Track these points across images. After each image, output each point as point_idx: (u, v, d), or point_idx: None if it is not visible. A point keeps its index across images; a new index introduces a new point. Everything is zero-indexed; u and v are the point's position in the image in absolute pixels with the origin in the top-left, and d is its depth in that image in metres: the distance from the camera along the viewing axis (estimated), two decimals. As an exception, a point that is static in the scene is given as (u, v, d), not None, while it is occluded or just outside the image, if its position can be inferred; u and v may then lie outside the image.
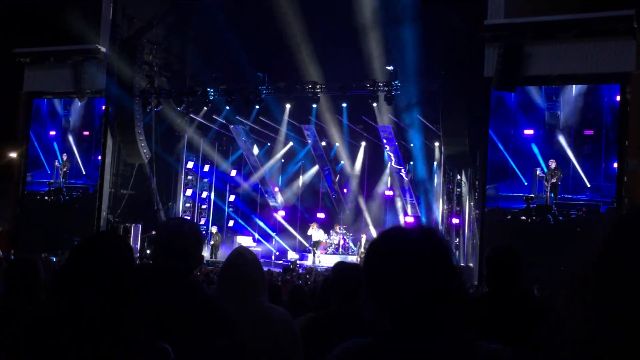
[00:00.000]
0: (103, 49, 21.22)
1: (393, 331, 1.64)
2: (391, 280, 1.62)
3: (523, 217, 16.38)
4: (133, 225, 21.34)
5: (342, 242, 23.24)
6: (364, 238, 21.38)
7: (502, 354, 1.67)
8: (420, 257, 1.62)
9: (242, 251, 3.30)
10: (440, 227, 18.82)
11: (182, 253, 2.52)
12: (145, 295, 2.56)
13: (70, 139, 22.31)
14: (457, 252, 18.69)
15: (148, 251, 20.23)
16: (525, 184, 16.58)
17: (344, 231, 23.53)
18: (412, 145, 21.68)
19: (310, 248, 22.36)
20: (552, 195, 16.12)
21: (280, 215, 25.29)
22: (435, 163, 21.00)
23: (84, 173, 21.98)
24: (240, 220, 25.60)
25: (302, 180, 25.91)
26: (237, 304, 3.09)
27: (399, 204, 23.14)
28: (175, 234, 2.57)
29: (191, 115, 23.29)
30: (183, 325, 2.41)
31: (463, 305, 1.67)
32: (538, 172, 16.40)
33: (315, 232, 22.24)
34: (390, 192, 23.22)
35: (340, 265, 3.79)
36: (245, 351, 2.64)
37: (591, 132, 16.13)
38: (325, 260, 21.58)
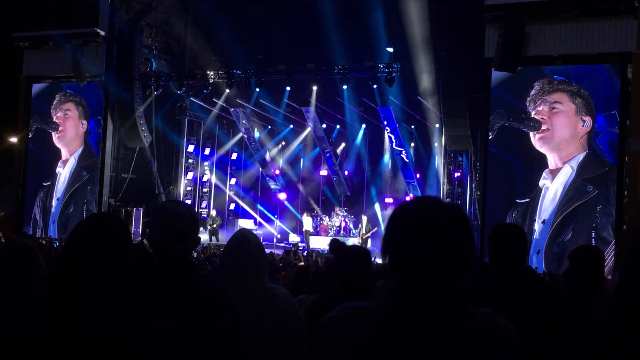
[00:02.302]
0: (102, 33, 21.12)
1: (404, 296, 1.65)
2: (416, 247, 1.63)
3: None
4: (134, 209, 21.40)
5: (343, 224, 23.29)
6: (365, 219, 21.41)
7: (496, 317, 1.72)
8: (448, 225, 1.65)
9: (245, 233, 3.33)
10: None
11: (178, 235, 2.53)
12: (144, 276, 2.57)
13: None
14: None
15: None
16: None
17: (345, 213, 23.58)
18: (412, 127, 21.66)
19: (303, 233, 22.42)
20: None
21: (281, 197, 25.32)
22: (436, 145, 20.97)
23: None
24: (241, 203, 25.63)
25: (302, 162, 25.91)
26: (239, 284, 3.11)
27: (399, 185, 23.15)
28: (171, 216, 2.58)
29: (191, 98, 23.24)
30: (183, 306, 2.42)
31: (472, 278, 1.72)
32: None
33: (307, 220, 22.36)
34: (390, 175, 23.22)
35: (338, 245, 3.81)
36: (247, 331, 2.66)
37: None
38: (326, 243, 21.64)
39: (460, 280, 1.65)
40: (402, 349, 1.61)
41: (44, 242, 15.58)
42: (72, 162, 22.07)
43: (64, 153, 22.18)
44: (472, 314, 1.68)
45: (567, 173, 15.97)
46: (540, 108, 16.22)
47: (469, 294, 1.70)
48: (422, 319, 1.62)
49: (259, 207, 25.69)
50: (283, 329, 3.13)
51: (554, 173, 16.11)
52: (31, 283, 2.88)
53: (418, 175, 22.00)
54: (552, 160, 16.17)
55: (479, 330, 1.66)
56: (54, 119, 22.31)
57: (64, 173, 22.16)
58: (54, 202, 22.13)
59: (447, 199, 19.32)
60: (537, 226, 16.04)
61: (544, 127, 16.14)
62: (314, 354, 1.78)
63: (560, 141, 16.05)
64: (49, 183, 22.33)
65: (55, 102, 22.34)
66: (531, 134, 16.32)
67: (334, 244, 5.65)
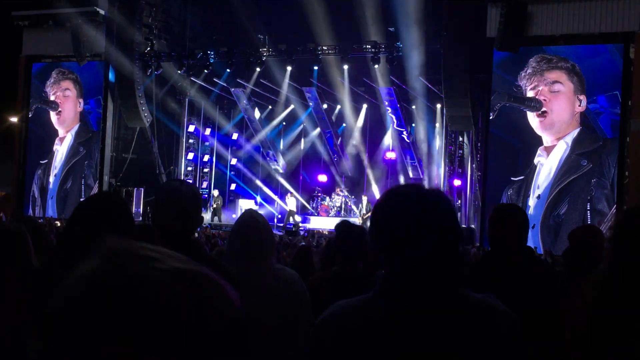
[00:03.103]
0: (102, 12, 21.01)
1: (393, 287, 1.65)
2: (402, 234, 1.63)
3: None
4: (135, 189, 21.41)
5: (344, 204, 23.31)
6: (365, 200, 21.41)
7: (492, 302, 1.70)
8: (433, 213, 1.64)
9: (254, 214, 3.33)
10: (442, 188, 18.84)
11: (181, 214, 2.53)
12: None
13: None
14: (459, 214, 18.73)
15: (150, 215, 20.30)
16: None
17: (346, 193, 23.59)
18: (413, 107, 21.60)
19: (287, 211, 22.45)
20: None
21: (282, 178, 25.32)
22: (437, 125, 20.92)
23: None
24: (242, 184, 25.63)
25: (303, 143, 25.88)
26: (248, 264, 3.12)
27: (400, 166, 23.13)
28: (174, 195, 2.57)
29: (192, 78, 23.15)
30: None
31: (463, 265, 1.71)
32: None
33: (290, 200, 22.44)
34: (393, 155, 23.17)
35: (344, 225, 3.81)
36: (254, 311, 2.66)
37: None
38: (328, 223, 21.69)
39: (449, 267, 1.64)
40: (396, 343, 1.59)
41: (43, 221, 15.58)
42: (69, 139, 22.09)
43: (61, 131, 22.18)
44: (467, 300, 1.66)
45: (561, 149, 16.04)
46: (540, 88, 16.18)
47: (461, 282, 1.69)
48: (414, 310, 1.61)
49: (261, 186, 25.68)
50: (291, 310, 3.14)
51: (549, 150, 16.16)
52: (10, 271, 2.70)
53: (419, 156, 21.97)
54: (548, 138, 16.20)
55: (476, 316, 1.64)
56: (53, 98, 22.25)
57: (61, 150, 22.19)
58: (51, 179, 22.17)
59: (448, 180, 19.33)
60: (532, 202, 16.15)
61: (544, 108, 16.11)
62: (310, 355, 1.77)
63: (560, 125, 16.06)
64: (46, 161, 22.34)
65: (52, 79, 22.27)
66: (530, 115, 16.28)
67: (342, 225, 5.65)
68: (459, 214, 18.72)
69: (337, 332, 1.68)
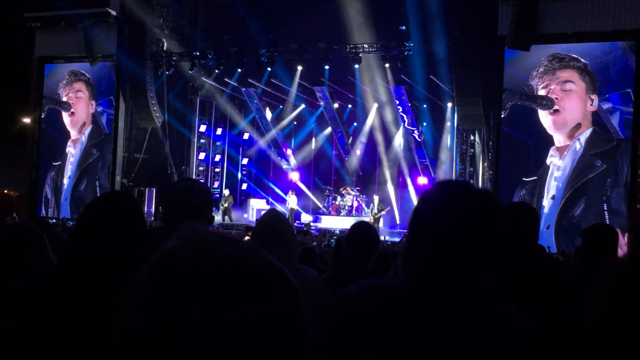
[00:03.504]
0: (113, 13, 21.11)
1: (421, 277, 1.64)
2: (441, 223, 1.63)
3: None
4: (147, 189, 21.49)
5: (355, 204, 23.29)
6: (376, 199, 21.37)
7: (517, 317, 1.67)
8: (472, 210, 1.64)
9: (277, 214, 3.33)
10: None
11: (193, 213, 2.52)
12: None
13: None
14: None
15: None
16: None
17: (357, 193, 23.57)
18: (424, 106, 21.54)
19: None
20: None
21: (293, 177, 25.34)
22: (448, 124, 20.85)
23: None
24: (252, 184, 25.67)
25: (314, 142, 25.89)
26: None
27: (412, 165, 23.06)
28: (186, 193, 2.57)
29: (203, 78, 23.20)
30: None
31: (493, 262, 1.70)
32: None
33: (291, 199, 22.48)
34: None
35: (359, 226, 3.82)
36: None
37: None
38: (339, 223, 21.68)
39: (478, 267, 1.63)
40: (405, 332, 1.58)
41: (57, 222, 15.65)
42: (82, 141, 22.19)
43: (74, 133, 22.28)
44: (493, 306, 1.64)
45: (575, 149, 15.94)
46: (552, 87, 16.10)
47: (489, 286, 1.68)
48: (428, 304, 1.60)
49: (272, 185, 25.71)
50: (315, 308, 3.13)
51: (561, 150, 16.09)
52: (30, 266, 2.74)
53: (430, 155, 21.91)
54: (561, 138, 16.11)
55: (497, 324, 1.61)
56: (65, 99, 22.37)
57: (74, 152, 22.29)
58: (65, 181, 22.29)
59: (460, 178, 19.25)
60: (547, 202, 16.07)
61: (555, 107, 16.04)
62: (327, 324, 1.77)
63: (572, 123, 15.98)
64: (59, 162, 22.46)
65: (64, 81, 22.38)
66: (542, 113, 16.21)
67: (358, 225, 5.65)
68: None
69: (360, 304, 1.69)
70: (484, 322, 1.60)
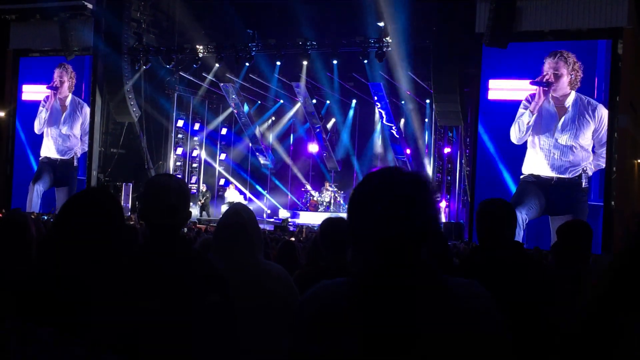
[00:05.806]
0: (90, 6, 20.87)
1: (369, 269, 1.65)
2: (375, 215, 1.62)
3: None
4: (124, 184, 21.32)
5: (333, 200, 23.32)
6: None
7: (474, 287, 1.70)
8: (406, 193, 1.64)
9: (239, 208, 3.28)
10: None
11: (169, 209, 2.50)
12: (134, 252, 2.56)
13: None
14: (447, 209, 18.77)
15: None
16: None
17: (335, 189, 23.60)
18: (402, 102, 21.60)
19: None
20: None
21: (271, 173, 25.30)
22: (426, 120, 20.94)
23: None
24: (231, 179, 25.59)
25: (292, 138, 25.86)
26: (234, 260, 3.09)
27: (389, 161, 23.13)
28: (162, 190, 2.54)
29: (180, 73, 23.05)
30: (172, 282, 2.41)
31: (441, 247, 1.71)
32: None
33: (230, 193, 22.60)
34: (381, 151, 23.19)
35: (327, 222, 3.79)
36: (241, 308, 2.63)
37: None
38: (318, 218, 21.69)
39: (422, 249, 1.64)
40: (361, 321, 1.59)
41: (33, 216, 15.50)
42: (57, 134, 21.98)
43: (50, 126, 22.04)
44: (444, 284, 1.65)
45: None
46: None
47: (436, 265, 1.69)
48: (381, 290, 1.61)
49: (249, 182, 25.64)
50: (278, 306, 3.11)
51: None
52: (23, 253, 2.84)
53: (408, 151, 21.99)
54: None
55: (453, 300, 1.62)
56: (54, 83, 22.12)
57: (50, 145, 22.04)
58: (41, 174, 22.02)
59: (437, 175, 19.36)
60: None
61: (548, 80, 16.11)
62: (291, 331, 1.77)
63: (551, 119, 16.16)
64: (34, 156, 22.22)
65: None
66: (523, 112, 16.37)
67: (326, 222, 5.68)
68: (447, 209, 18.76)
69: (316, 308, 1.69)
70: (436, 298, 1.61)
